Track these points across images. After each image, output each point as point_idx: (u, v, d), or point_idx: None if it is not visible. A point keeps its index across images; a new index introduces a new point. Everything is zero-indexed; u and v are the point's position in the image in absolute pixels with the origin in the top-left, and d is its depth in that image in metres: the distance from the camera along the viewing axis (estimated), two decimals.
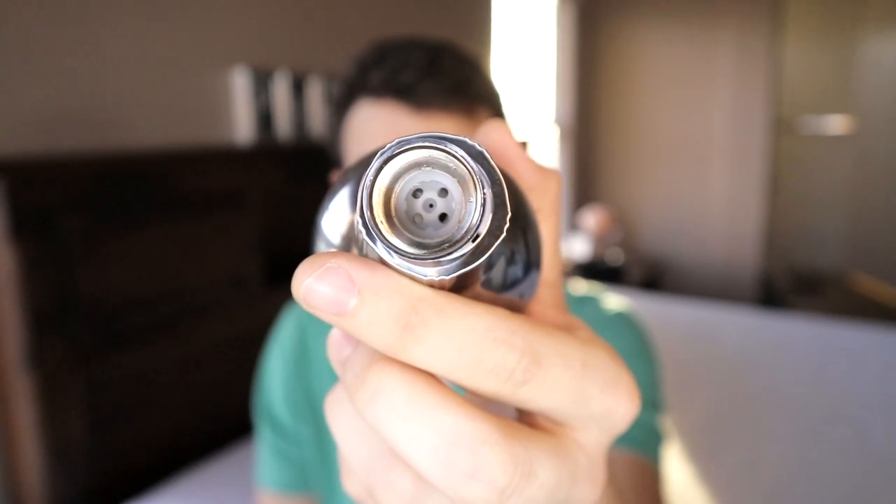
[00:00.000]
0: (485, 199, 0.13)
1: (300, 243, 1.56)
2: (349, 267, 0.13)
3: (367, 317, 0.13)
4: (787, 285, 3.73)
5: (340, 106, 0.60)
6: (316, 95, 1.65)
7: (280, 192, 1.49)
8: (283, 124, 1.57)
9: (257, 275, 1.41)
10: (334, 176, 0.67)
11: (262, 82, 1.51)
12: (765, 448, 1.39)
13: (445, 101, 0.54)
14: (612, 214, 3.34)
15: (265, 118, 1.52)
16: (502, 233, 0.13)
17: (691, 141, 3.42)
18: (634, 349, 0.65)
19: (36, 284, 1.02)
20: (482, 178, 0.13)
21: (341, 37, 1.77)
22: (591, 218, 3.27)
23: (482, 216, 0.13)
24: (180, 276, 1.25)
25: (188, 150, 1.29)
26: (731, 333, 2.02)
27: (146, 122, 1.30)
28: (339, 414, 0.17)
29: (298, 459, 0.72)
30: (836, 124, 3.85)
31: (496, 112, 0.60)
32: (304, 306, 0.14)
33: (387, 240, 0.13)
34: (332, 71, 1.72)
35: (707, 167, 3.40)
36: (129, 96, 1.26)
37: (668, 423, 1.46)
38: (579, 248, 3.31)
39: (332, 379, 0.69)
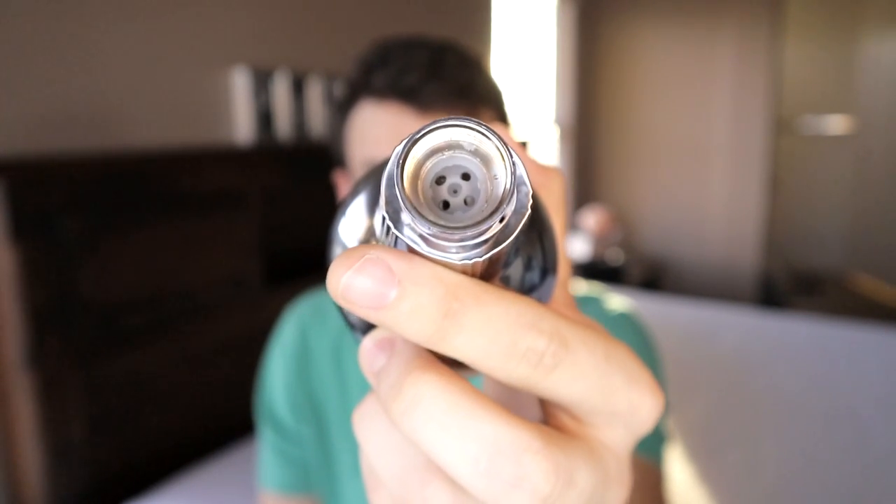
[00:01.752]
0: (514, 169, 0.13)
1: (300, 243, 1.56)
2: (388, 258, 0.13)
3: (408, 307, 0.13)
4: (787, 285, 3.73)
5: (343, 106, 0.60)
6: (316, 95, 1.65)
7: (280, 192, 1.49)
8: (283, 124, 1.57)
9: (257, 275, 1.41)
10: (336, 176, 0.67)
11: (262, 82, 1.50)
12: (765, 448, 1.39)
13: (449, 103, 0.55)
14: (612, 214, 3.34)
15: (265, 118, 1.52)
16: (527, 210, 0.13)
17: (691, 141, 3.42)
18: (638, 350, 0.65)
19: (36, 284, 1.02)
20: (507, 151, 0.13)
21: (341, 37, 1.77)
22: (591, 218, 3.27)
23: (511, 189, 0.13)
24: (180, 276, 1.25)
25: (188, 150, 1.29)
26: (731, 333, 2.02)
27: (146, 122, 1.29)
28: (369, 427, 0.17)
29: (300, 460, 0.72)
30: (836, 124, 3.85)
31: (499, 113, 0.60)
32: (342, 302, 0.13)
33: (427, 219, 0.13)
34: (332, 71, 1.71)
35: (707, 167, 3.40)
36: (129, 96, 1.26)
37: (668, 424, 1.46)
38: (579, 248, 3.31)
39: (334, 380, 0.69)
